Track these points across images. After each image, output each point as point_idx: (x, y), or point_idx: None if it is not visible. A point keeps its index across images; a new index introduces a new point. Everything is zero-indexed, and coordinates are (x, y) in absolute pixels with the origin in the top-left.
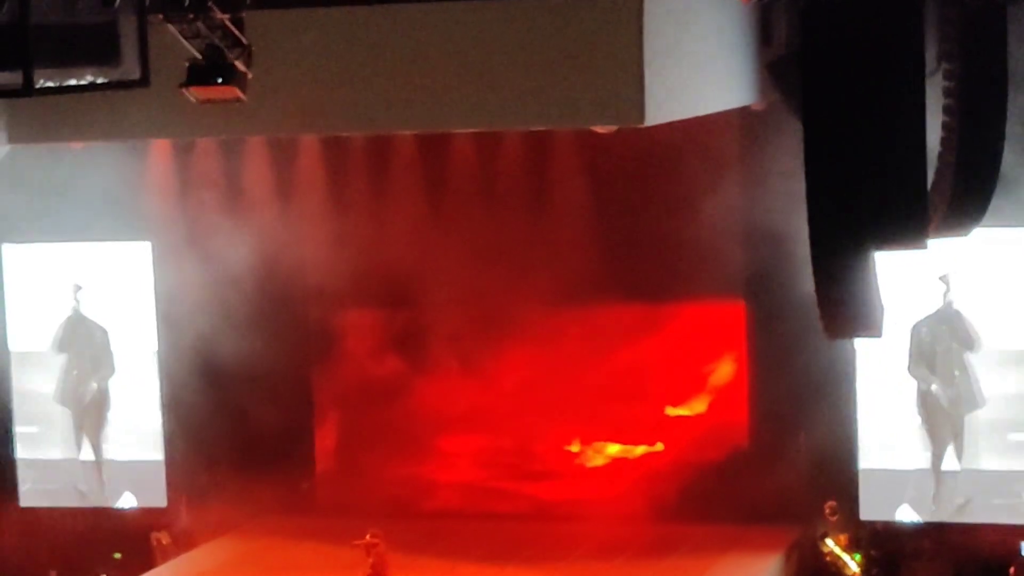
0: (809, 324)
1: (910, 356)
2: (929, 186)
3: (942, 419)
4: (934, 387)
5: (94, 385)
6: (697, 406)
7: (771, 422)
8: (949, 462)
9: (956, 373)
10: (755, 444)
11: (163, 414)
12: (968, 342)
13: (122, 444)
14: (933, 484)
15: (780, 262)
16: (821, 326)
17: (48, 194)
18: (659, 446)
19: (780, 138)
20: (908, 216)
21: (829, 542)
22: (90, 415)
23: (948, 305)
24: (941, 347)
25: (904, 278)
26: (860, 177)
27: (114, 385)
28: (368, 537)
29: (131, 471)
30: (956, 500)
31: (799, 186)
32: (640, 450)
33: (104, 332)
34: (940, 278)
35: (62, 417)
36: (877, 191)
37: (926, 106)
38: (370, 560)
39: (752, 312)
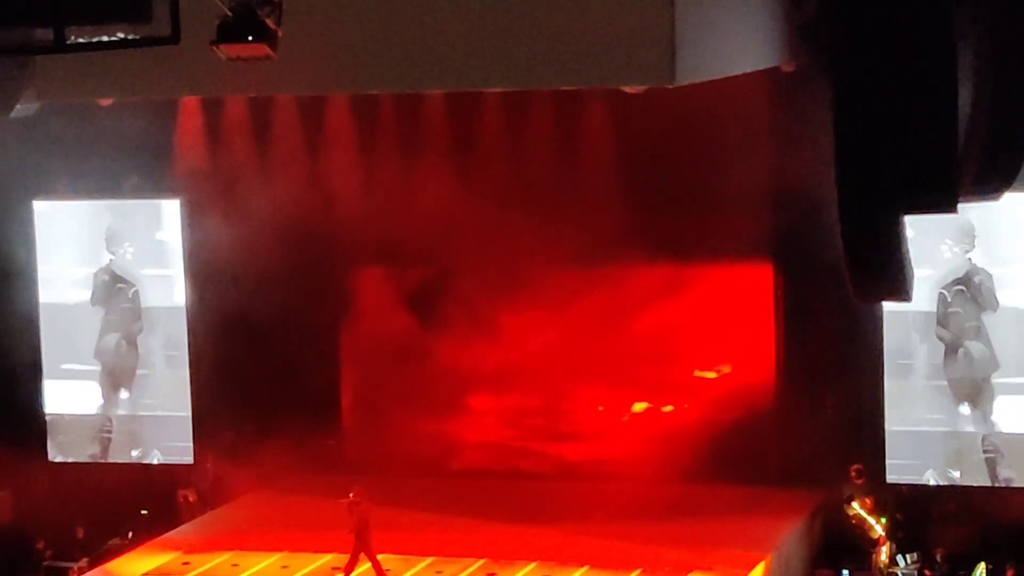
0: (837, 287)
1: (935, 319)
2: (960, 149)
3: (966, 381)
4: (959, 350)
5: (124, 341)
6: (723, 367)
7: (798, 384)
8: (973, 424)
9: (976, 335)
10: (781, 406)
11: (190, 371)
12: (988, 304)
13: (150, 401)
14: (957, 446)
15: (808, 224)
16: (849, 289)
17: (78, 151)
18: (685, 407)
19: (809, 100)
20: (939, 179)
21: (855, 505)
22: (121, 371)
23: (971, 267)
24: (963, 309)
25: (928, 241)
26: (890, 139)
27: (144, 341)
28: (351, 496)
29: (159, 428)
30: (980, 462)
31: (828, 148)
32: (666, 410)
33: (135, 289)
34: (962, 241)
35: (92, 372)
36: (907, 154)
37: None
38: (353, 518)
39: (780, 274)
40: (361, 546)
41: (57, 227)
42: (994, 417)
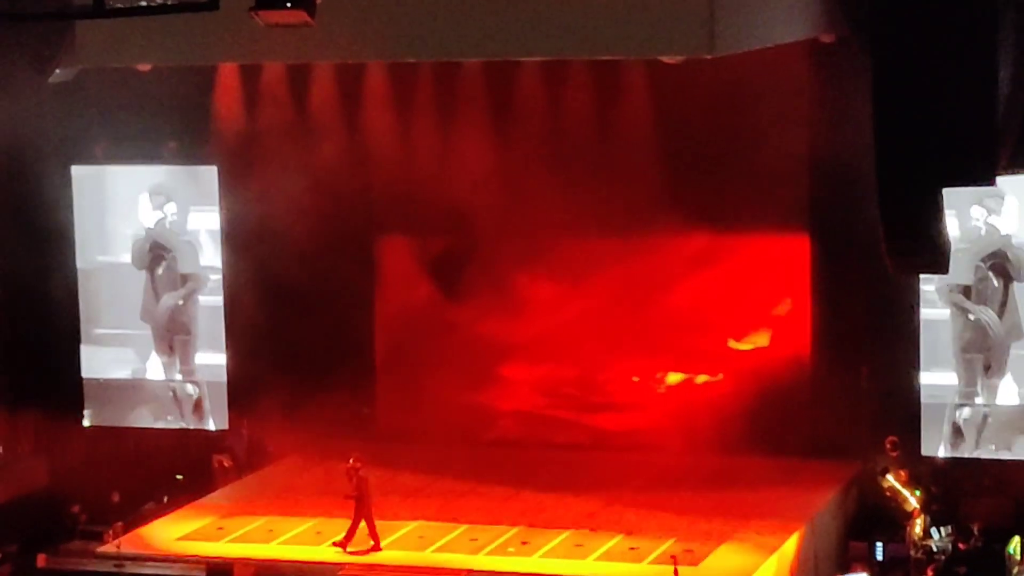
0: (874, 259)
1: (959, 289)
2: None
3: (996, 351)
4: (984, 318)
5: (165, 306)
6: (759, 338)
7: (833, 356)
8: (1005, 395)
9: (1005, 305)
10: (817, 378)
11: (226, 337)
12: (1017, 274)
13: (187, 366)
14: (989, 418)
15: (846, 196)
16: (886, 261)
17: (116, 116)
18: (720, 378)
19: (848, 71)
20: (977, 152)
21: (890, 477)
22: (159, 336)
23: (1001, 238)
24: (992, 279)
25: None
26: (929, 111)
27: (182, 307)
28: (351, 461)
29: (195, 392)
30: (1012, 434)
31: (867, 120)
32: (701, 381)
33: (175, 254)
34: (990, 211)
35: (128, 337)
36: (946, 126)
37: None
38: (351, 484)
39: (816, 245)
40: (361, 511)
41: (93, 192)
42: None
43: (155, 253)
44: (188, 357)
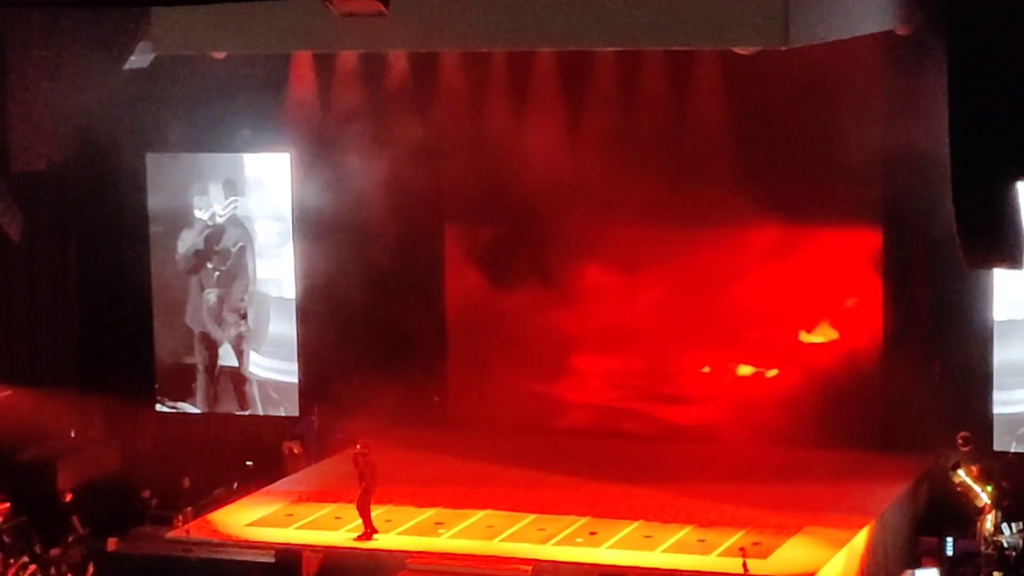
0: (947, 253)
1: None
2: None
3: None
4: None
5: (233, 294)
6: (830, 331)
7: (905, 350)
8: None
9: None
10: (888, 371)
11: (298, 325)
12: None
13: (257, 354)
14: None
15: (920, 189)
16: (960, 255)
17: (191, 104)
18: (791, 371)
19: (924, 64)
20: None
21: (961, 472)
22: (229, 322)
23: None
24: None
25: None
26: (1006, 105)
27: (254, 295)
28: (358, 447)
29: (265, 380)
30: None
31: (942, 113)
32: (772, 374)
33: (242, 245)
34: None
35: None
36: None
37: None
38: (358, 470)
39: (889, 238)
40: (367, 497)
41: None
42: None
43: (223, 241)
44: (253, 345)
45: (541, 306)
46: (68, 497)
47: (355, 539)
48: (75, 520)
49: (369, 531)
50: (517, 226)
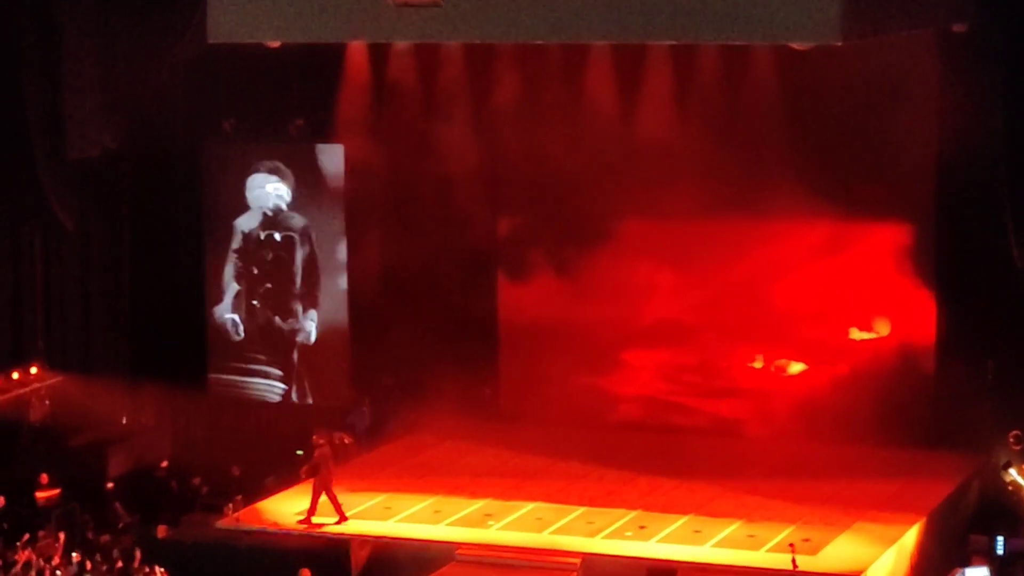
0: (1001, 250)
1: None
2: None
3: None
4: None
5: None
6: (882, 328)
7: (958, 349)
8: None
9: None
10: (940, 370)
11: (350, 316)
12: None
13: (309, 344)
14: None
15: (974, 187)
16: (1014, 254)
17: (245, 93)
18: (842, 367)
19: (980, 61)
20: None
21: (1012, 471)
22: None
23: None
24: None
25: None
26: None
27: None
28: (314, 438)
29: (317, 371)
30: None
31: (997, 111)
32: (823, 370)
33: (295, 235)
34: None
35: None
36: None
37: None
38: (312, 460)
39: (943, 236)
40: (320, 486)
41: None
42: None
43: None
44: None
45: (594, 300)
46: (110, 485)
47: (333, 524)
48: (118, 506)
49: (341, 516)
50: (570, 221)
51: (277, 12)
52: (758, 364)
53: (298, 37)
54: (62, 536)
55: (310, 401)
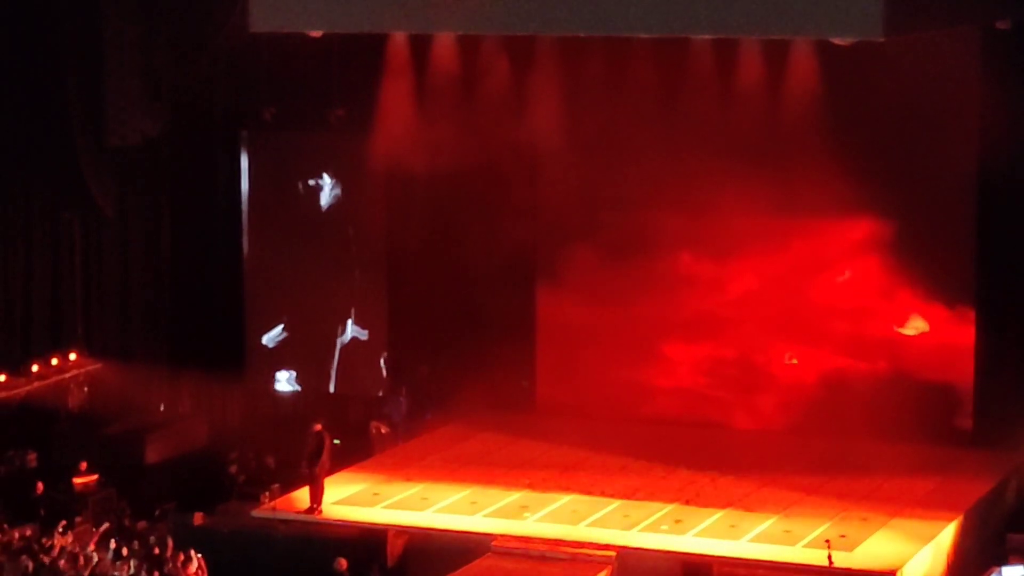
0: None
1: None
2: None
3: None
4: None
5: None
6: (921, 326)
7: (998, 347)
8: None
9: None
10: (979, 368)
11: (388, 307)
12: None
13: (347, 334)
14: None
15: (1017, 184)
16: None
17: (286, 82)
18: (881, 364)
19: None
20: None
21: None
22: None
23: None
24: None
25: None
26: None
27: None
28: (315, 427)
29: (354, 360)
30: None
31: None
32: (862, 366)
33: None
34: None
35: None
36: None
37: None
38: (307, 447)
39: (984, 233)
40: (322, 472)
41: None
42: None
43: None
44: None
45: (632, 294)
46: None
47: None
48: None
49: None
50: (610, 214)
51: (319, 2)
52: (795, 360)
53: (340, 27)
54: (104, 524)
55: (346, 391)
